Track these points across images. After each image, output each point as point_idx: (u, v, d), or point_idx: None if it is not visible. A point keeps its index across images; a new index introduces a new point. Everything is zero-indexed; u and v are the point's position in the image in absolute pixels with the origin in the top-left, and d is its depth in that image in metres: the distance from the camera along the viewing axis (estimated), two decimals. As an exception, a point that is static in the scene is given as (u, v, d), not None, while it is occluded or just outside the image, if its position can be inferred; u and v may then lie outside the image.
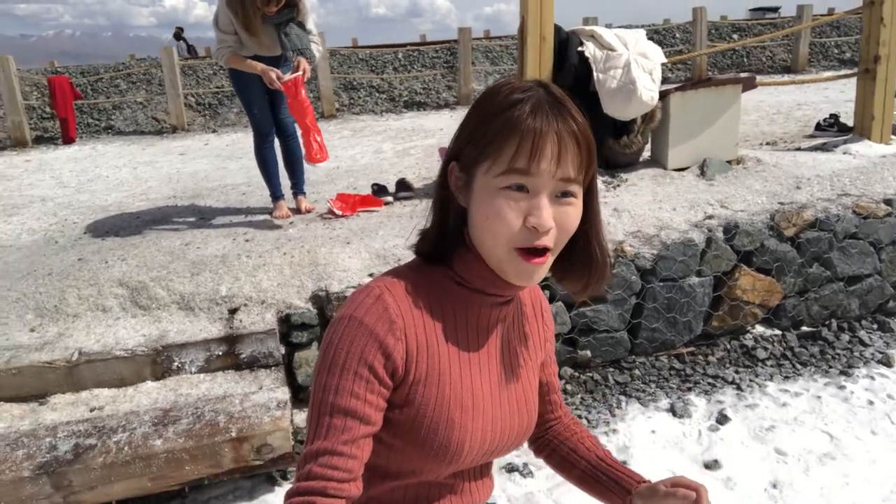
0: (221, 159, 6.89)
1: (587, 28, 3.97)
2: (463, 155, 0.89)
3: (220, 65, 3.87)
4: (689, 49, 10.86)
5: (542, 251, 0.84)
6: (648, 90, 3.64)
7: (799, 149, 4.58)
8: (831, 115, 5.14)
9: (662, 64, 3.88)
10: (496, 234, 0.84)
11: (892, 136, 4.46)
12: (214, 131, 9.71)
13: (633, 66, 3.64)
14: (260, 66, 3.69)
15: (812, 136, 5.07)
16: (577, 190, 0.86)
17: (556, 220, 0.84)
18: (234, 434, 2.54)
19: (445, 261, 0.94)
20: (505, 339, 1.00)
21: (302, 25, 3.77)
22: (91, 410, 2.71)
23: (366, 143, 7.27)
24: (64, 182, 6.07)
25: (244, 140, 7.53)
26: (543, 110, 0.83)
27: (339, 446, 0.83)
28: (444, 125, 8.12)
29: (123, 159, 7.45)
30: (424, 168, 5.32)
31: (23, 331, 2.95)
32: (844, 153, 4.26)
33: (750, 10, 16.76)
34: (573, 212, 0.86)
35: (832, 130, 4.98)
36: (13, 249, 3.84)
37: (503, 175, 0.83)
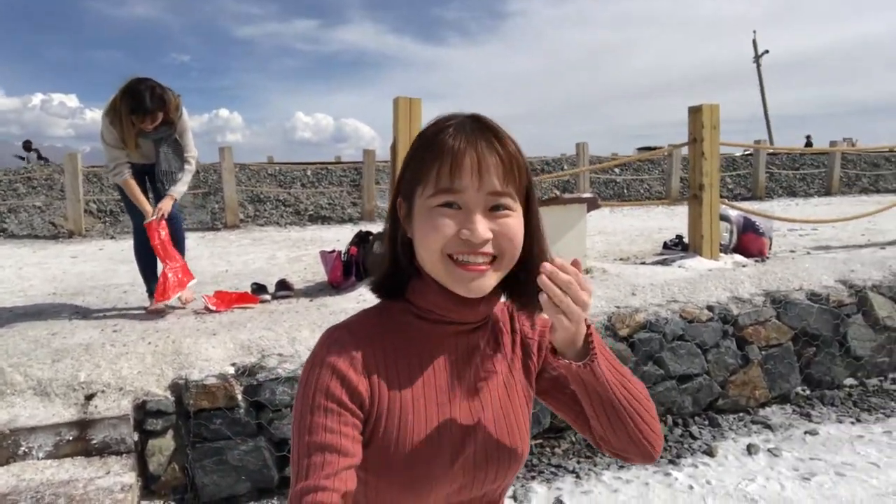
0: (113, 262, 6.92)
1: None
2: (404, 185, 0.93)
3: (111, 176, 4.14)
4: (574, 179, 11.94)
5: (482, 262, 0.87)
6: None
7: (643, 263, 5.15)
8: (677, 236, 5.82)
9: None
10: (431, 245, 0.87)
11: (721, 254, 5.09)
12: (112, 237, 9.70)
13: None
14: (146, 206, 4.07)
15: (660, 254, 5.70)
16: (511, 203, 0.88)
17: (496, 231, 0.86)
18: (71, 514, 2.56)
19: (402, 295, 0.96)
20: (481, 366, 0.98)
21: (178, 143, 4.08)
22: (-77, 495, 2.67)
23: (262, 250, 7.50)
24: (-60, 280, 5.94)
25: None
26: (464, 132, 0.87)
27: (322, 481, 0.82)
28: (342, 237, 8.48)
29: (9, 260, 7.34)
30: (311, 273, 5.58)
31: None
32: (679, 266, 4.83)
33: (637, 148, 18.51)
34: (512, 223, 0.88)
35: (677, 249, 5.62)
36: None
37: (433, 196, 0.86)
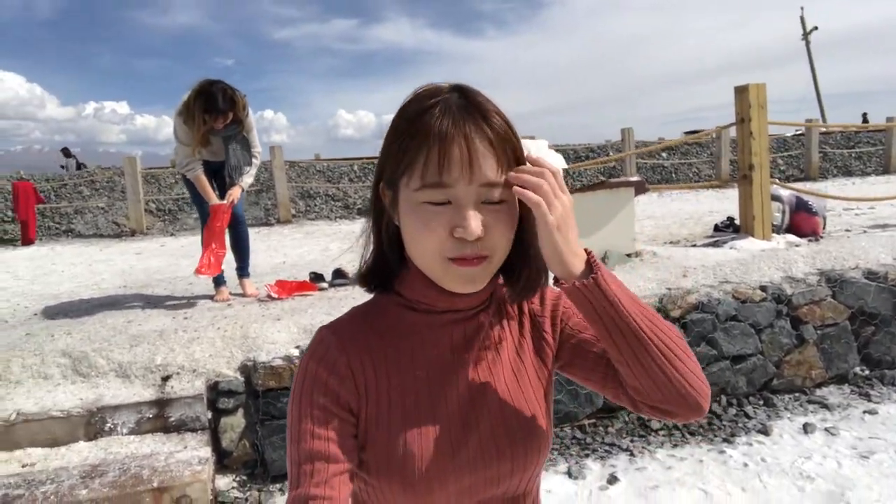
0: (175, 258, 7.24)
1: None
2: (385, 172, 0.86)
3: (181, 173, 4.37)
4: (621, 165, 11.86)
5: (475, 256, 0.81)
6: (549, 190, 4.19)
7: (694, 245, 5.15)
8: (728, 218, 5.78)
9: (564, 169, 4.45)
10: (426, 248, 0.82)
11: (773, 234, 5.05)
12: (172, 234, 10.10)
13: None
14: (214, 198, 4.25)
15: (711, 237, 5.67)
16: (506, 192, 0.81)
17: (488, 225, 0.80)
18: (155, 484, 2.76)
19: (391, 286, 0.92)
20: (483, 354, 0.93)
21: (246, 140, 4.29)
22: (23, 466, 2.91)
23: (315, 242, 7.73)
24: (19, 276, 6.33)
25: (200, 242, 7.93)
26: (450, 114, 0.79)
27: (312, 489, 0.82)
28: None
29: (80, 258, 7.74)
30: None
31: (-36, 396, 3.17)
32: (730, 248, 4.82)
33: (685, 132, 18.22)
34: (504, 216, 0.82)
35: (728, 231, 5.59)
36: (-37, 329, 4.08)
37: (420, 190, 0.80)
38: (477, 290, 0.86)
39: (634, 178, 4.66)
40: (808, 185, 10.17)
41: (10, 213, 10.52)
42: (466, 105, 0.81)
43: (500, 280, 0.94)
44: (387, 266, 0.91)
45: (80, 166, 16.61)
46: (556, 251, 0.81)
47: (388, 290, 0.92)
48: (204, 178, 4.26)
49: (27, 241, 9.71)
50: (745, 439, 3.68)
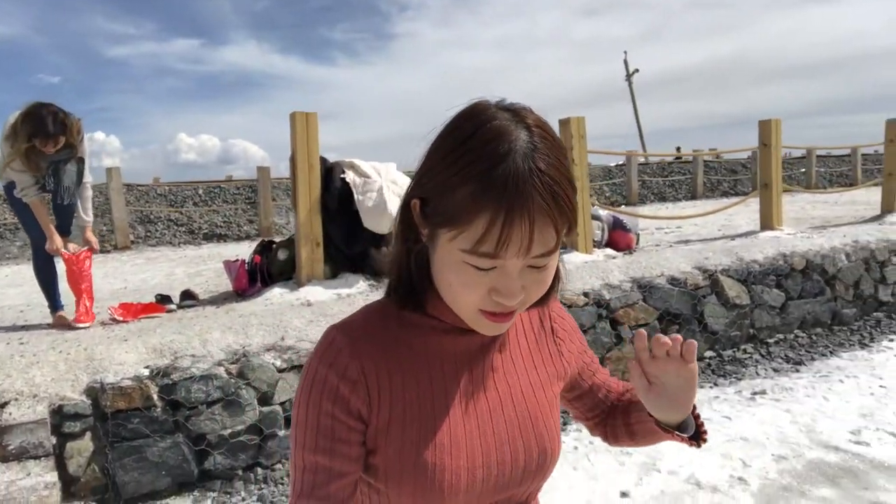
0: (2, 287, 6.70)
1: (347, 160, 4.81)
2: (430, 201, 0.78)
3: (12, 193, 4.18)
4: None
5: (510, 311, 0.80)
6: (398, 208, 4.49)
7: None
8: (558, 236, 6.41)
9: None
10: (460, 302, 0.79)
11: (595, 249, 5.68)
12: (-8, 264, 9.25)
13: (385, 190, 4.49)
14: (51, 229, 4.15)
15: (544, 252, 6.26)
16: (554, 256, 0.78)
17: (528, 286, 0.77)
18: (-4, 513, 2.65)
19: (422, 306, 0.88)
20: (494, 363, 0.92)
21: (79, 162, 4.21)
22: None
23: (158, 268, 7.48)
24: None
25: (27, 271, 7.37)
26: (521, 177, 0.70)
27: (314, 501, 0.82)
28: (241, 252, 8.54)
29: None
30: (213, 284, 5.71)
31: None
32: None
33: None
34: (547, 276, 0.79)
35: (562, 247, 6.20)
36: None
37: (468, 253, 0.74)
38: (499, 333, 0.89)
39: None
40: (626, 209, 11.33)
41: None
42: (539, 173, 0.71)
43: None
44: (413, 287, 0.87)
45: None
46: (685, 406, 0.93)
47: (421, 310, 0.88)
48: (40, 204, 4.11)
49: None
50: (575, 426, 4.13)
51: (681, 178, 16.78)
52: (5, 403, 3.17)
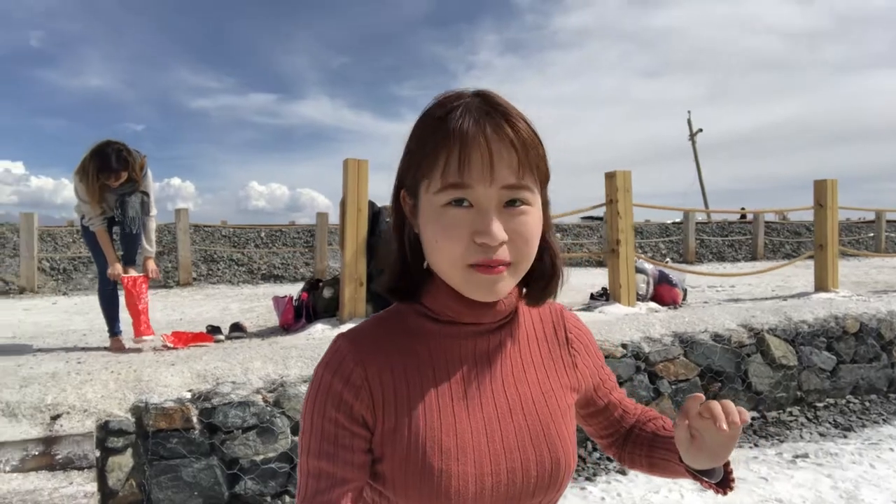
0: (68, 314, 7.13)
1: (393, 204, 5.01)
2: (406, 178, 0.85)
3: (83, 223, 4.58)
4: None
5: (500, 264, 0.79)
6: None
7: (570, 309, 5.67)
8: (602, 288, 6.39)
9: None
10: (447, 255, 0.80)
11: (638, 302, 5.66)
12: (65, 294, 9.83)
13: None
14: (112, 256, 4.50)
15: (586, 304, 6.25)
16: (529, 196, 0.80)
17: (511, 230, 0.79)
18: (38, 516, 2.83)
19: (415, 296, 0.90)
20: (503, 369, 0.91)
21: (143, 196, 4.56)
22: None
23: (215, 303, 7.80)
24: None
25: (94, 301, 7.83)
26: (471, 116, 0.78)
27: None
28: (294, 293, 8.84)
29: (-38, 312, 7.45)
30: (263, 319, 5.93)
31: None
32: (599, 312, 5.37)
33: (581, 217, 19.50)
34: (529, 220, 0.80)
35: (602, 299, 6.18)
36: None
37: (440, 192, 0.78)
38: (499, 298, 0.85)
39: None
40: (677, 265, 11.16)
41: None
42: (487, 107, 0.80)
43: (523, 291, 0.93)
44: (409, 276, 0.89)
45: None
46: (721, 459, 0.90)
47: (413, 300, 0.90)
48: (105, 233, 4.45)
49: None
50: (606, 478, 4.08)
51: (741, 239, 16.43)
52: (58, 416, 3.39)
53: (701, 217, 17.11)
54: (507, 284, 0.82)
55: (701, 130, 36.68)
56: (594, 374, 1.03)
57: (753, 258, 15.39)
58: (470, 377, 0.88)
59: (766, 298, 6.85)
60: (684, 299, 6.20)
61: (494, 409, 0.88)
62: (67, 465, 3.27)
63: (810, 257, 7.12)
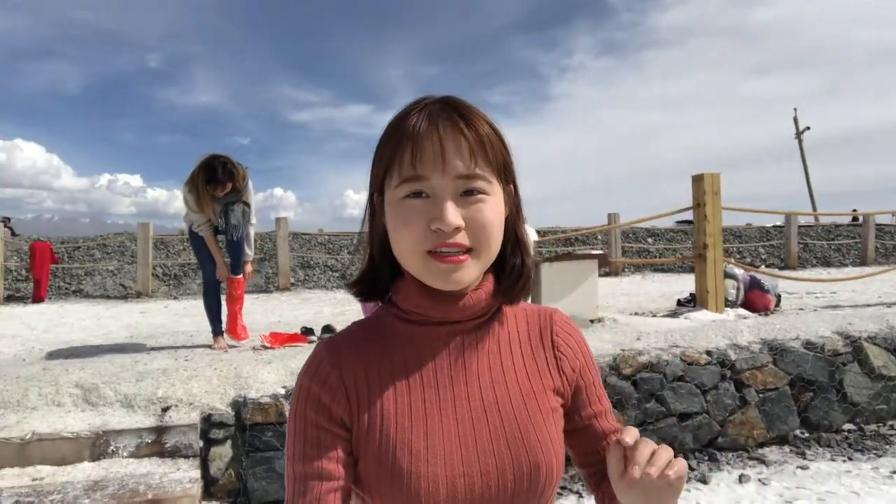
0: (178, 316, 7.71)
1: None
2: (375, 179, 0.89)
3: (192, 230, 5.03)
4: (607, 248, 12.46)
5: (459, 252, 0.82)
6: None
7: (654, 315, 5.62)
8: (690, 294, 6.27)
9: (535, 241, 5.00)
10: (405, 241, 0.82)
11: (727, 308, 5.53)
12: (176, 298, 10.59)
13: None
14: (221, 260, 4.96)
15: (673, 310, 6.15)
16: (486, 186, 0.83)
17: (467, 218, 0.82)
18: (149, 497, 3.14)
19: (382, 295, 0.93)
20: (480, 370, 0.90)
21: (244, 205, 4.94)
22: (33, 480, 3.30)
23: (309, 307, 8.21)
24: (32, 326, 6.80)
25: (202, 305, 8.45)
26: (427, 115, 0.83)
27: None
28: (383, 298, 9.17)
29: (88, 314, 8.22)
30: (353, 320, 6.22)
31: (-13, 417, 3.59)
32: (685, 318, 5.29)
33: (676, 222, 18.98)
34: (485, 207, 0.83)
35: (689, 305, 6.07)
36: (-16, 365, 4.52)
37: (399, 186, 0.82)
38: (460, 287, 0.85)
39: (597, 251, 5.19)
40: (779, 272, 10.69)
41: (24, 271, 11.06)
42: (445, 107, 0.84)
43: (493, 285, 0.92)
44: (377, 274, 0.92)
45: (14, 235, 17.28)
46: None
47: (383, 299, 0.93)
48: (212, 238, 4.86)
49: (38, 299, 10.20)
50: (685, 487, 4.04)
51: (849, 242, 15.46)
52: (167, 408, 3.74)
53: (807, 220, 16.25)
54: (467, 273, 0.83)
55: (808, 129, 34.69)
56: (578, 378, 0.97)
57: (863, 263, 14.45)
58: (443, 378, 0.88)
59: (870, 305, 6.49)
60: (777, 306, 5.99)
61: (468, 411, 0.88)
62: (175, 454, 3.60)
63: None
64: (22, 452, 3.42)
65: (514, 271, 0.92)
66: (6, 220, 17.60)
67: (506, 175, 0.88)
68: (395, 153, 0.83)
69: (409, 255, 0.83)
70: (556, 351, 0.96)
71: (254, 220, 5.11)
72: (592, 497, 1.03)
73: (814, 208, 33.02)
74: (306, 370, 0.89)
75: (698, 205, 5.53)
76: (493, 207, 0.84)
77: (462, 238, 0.81)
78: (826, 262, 14.83)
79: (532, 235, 5.09)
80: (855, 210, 23.99)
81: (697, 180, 5.59)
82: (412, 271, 0.85)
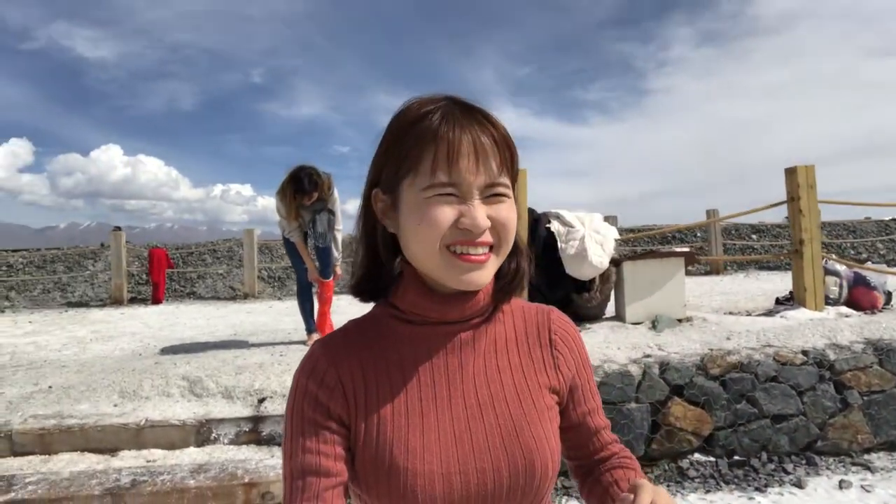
0: (280, 316, 8.15)
1: (554, 210, 5.15)
2: (383, 177, 0.88)
3: (285, 236, 5.36)
4: (707, 245, 11.99)
5: (483, 251, 0.83)
6: (598, 256, 4.69)
7: (748, 314, 5.41)
8: (790, 292, 5.99)
9: (616, 239, 4.95)
10: (427, 237, 0.82)
11: (827, 307, 5.25)
12: (279, 299, 11.16)
13: (587, 239, 4.73)
14: (311, 263, 5.27)
15: (771, 309, 5.89)
16: (506, 190, 0.85)
17: (492, 217, 0.83)
18: (246, 480, 3.39)
19: (383, 295, 0.93)
20: (476, 369, 0.91)
21: (331, 213, 5.19)
22: (147, 462, 3.64)
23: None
24: (149, 325, 7.40)
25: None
26: (455, 117, 0.83)
27: None
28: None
29: (200, 314, 8.83)
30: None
31: (108, 405, 3.98)
32: (781, 317, 5.07)
33: (786, 218, 17.99)
34: (507, 208, 0.85)
35: (788, 304, 5.80)
36: (109, 359, 5.00)
37: (428, 188, 0.82)
38: (475, 289, 0.87)
39: (683, 249, 5.06)
40: (883, 267, 9.95)
41: (144, 276, 12.01)
42: (468, 109, 0.85)
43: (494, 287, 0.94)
44: (379, 274, 0.93)
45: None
46: None
47: (383, 299, 0.94)
48: (302, 242, 5.17)
49: (156, 301, 11.05)
50: (778, 490, 3.88)
51: None
52: (263, 399, 4.01)
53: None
54: (486, 274, 0.85)
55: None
56: (575, 376, 0.99)
57: None
58: (439, 377, 0.89)
59: None
60: (888, 304, 5.62)
61: (464, 409, 0.88)
62: (270, 441, 3.86)
63: None
64: (138, 437, 3.77)
65: (510, 272, 0.93)
66: (118, 230, 19.05)
67: (515, 179, 0.91)
68: (422, 153, 0.82)
69: (428, 251, 0.83)
70: (554, 349, 0.98)
71: (340, 226, 5.36)
72: (578, 484, 1.06)
73: (946, 200, 30.26)
74: (303, 368, 0.89)
75: (792, 199, 5.28)
76: (512, 208, 0.86)
77: (486, 236, 0.83)
78: (955, 258, 13.63)
79: (612, 233, 5.04)
80: None
81: (791, 173, 5.35)
82: (427, 268, 0.86)
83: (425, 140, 0.82)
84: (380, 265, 0.92)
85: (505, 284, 0.93)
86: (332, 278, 5.31)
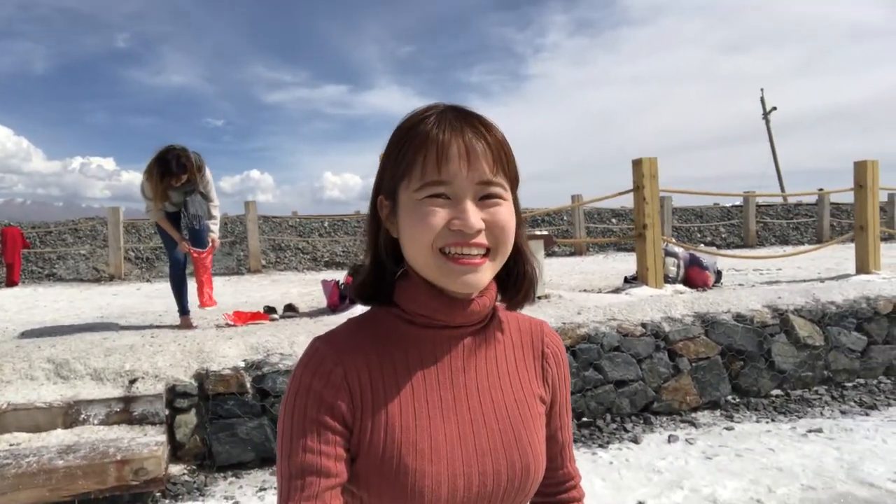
0: (149, 298, 7.94)
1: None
2: (385, 182, 0.89)
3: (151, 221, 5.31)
4: (571, 229, 12.85)
5: (478, 254, 0.84)
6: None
7: (599, 291, 5.98)
8: (636, 271, 6.65)
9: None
10: (420, 239, 0.83)
11: (666, 284, 5.90)
12: (148, 281, 10.79)
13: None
14: (178, 235, 5.22)
15: (619, 287, 6.52)
16: (502, 192, 0.86)
17: (487, 220, 0.83)
18: (118, 458, 3.43)
19: (390, 299, 0.92)
20: (478, 374, 0.93)
21: (204, 194, 5.19)
22: (10, 445, 3.58)
23: (277, 287, 8.48)
24: (5, 308, 7.00)
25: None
26: (447, 121, 0.85)
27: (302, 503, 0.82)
28: (351, 279, 9.46)
29: (62, 297, 8.41)
30: (316, 301, 6.51)
31: (-36, 391, 3.84)
32: (626, 294, 5.66)
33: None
34: (503, 211, 0.85)
35: (634, 282, 6.44)
36: (-41, 344, 4.75)
37: (420, 189, 0.83)
38: (473, 291, 0.87)
39: (542, 233, 5.51)
40: (741, 252, 11.14)
41: (-5, 257, 11.17)
42: (463, 114, 0.87)
43: (498, 297, 0.95)
44: (383, 278, 0.92)
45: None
46: None
47: (387, 302, 0.92)
48: (166, 220, 5.15)
49: (11, 283, 10.33)
50: (618, 446, 4.41)
51: (806, 221, 16.04)
52: (135, 380, 4.02)
53: (767, 200, 16.78)
54: (482, 276, 0.84)
55: (775, 109, 35.36)
56: (557, 391, 1.03)
57: (819, 240, 15.02)
58: (444, 379, 0.90)
59: (805, 280, 6.92)
60: (718, 282, 6.39)
61: (468, 413, 0.90)
62: (143, 421, 3.89)
63: (852, 240, 7.13)
64: (-2, 421, 3.69)
65: (519, 278, 0.95)
66: None
67: (515, 184, 0.91)
68: (415, 156, 0.84)
69: (422, 253, 0.84)
70: (545, 362, 1.00)
71: (216, 201, 5.36)
72: None
73: (781, 186, 33.78)
74: (307, 365, 0.88)
75: (638, 188, 5.88)
76: (508, 211, 0.86)
77: (482, 239, 0.84)
78: (784, 240, 15.40)
79: None
80: (821, 189, 24.64)
81: (637, 164, 5.94)
82: (424, 271, 0.86)
83: (419, 143, 0.84)
84: (383, 269, 0.93)
85: (514, 293, 0.95)
86: (208, 248, 5.29)
